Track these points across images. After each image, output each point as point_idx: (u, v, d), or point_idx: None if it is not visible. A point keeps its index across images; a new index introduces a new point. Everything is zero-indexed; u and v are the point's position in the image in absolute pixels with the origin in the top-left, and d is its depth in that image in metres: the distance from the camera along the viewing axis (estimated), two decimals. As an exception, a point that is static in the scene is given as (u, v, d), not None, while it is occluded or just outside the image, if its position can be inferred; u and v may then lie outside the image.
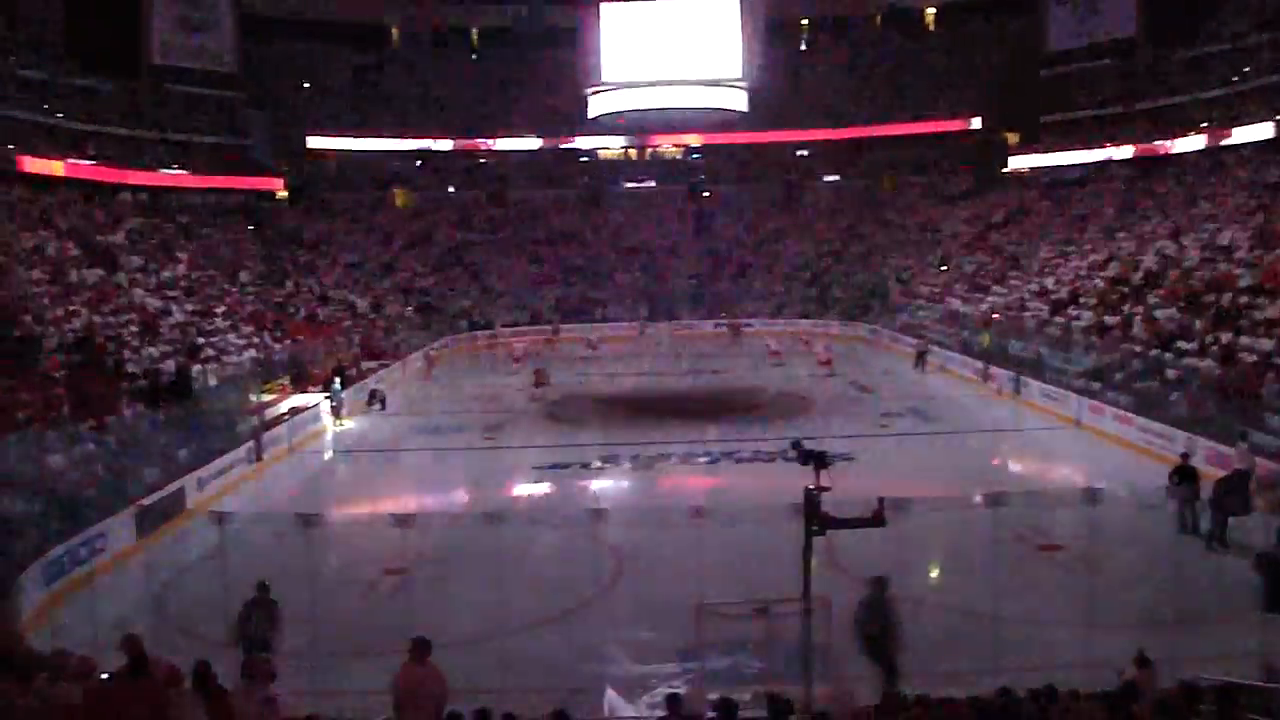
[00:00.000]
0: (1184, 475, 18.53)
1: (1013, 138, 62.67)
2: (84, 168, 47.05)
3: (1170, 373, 27.28)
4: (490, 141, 66.52)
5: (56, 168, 45.08)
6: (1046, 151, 57.89)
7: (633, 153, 69.27)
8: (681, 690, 10.70)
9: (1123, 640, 11.52)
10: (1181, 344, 28.39)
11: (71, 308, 30.94)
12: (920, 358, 40.39)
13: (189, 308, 36.32)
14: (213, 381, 30.07)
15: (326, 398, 31.91)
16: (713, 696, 9.83)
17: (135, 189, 49.93)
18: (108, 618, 14.29)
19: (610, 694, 12.44)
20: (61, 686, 8.85)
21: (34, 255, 34.68)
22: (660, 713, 9.44)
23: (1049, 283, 41.06)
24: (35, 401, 23.11)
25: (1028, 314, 38.70)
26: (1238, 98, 47.67)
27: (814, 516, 11.41)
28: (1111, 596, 14.88)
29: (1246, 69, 47.84)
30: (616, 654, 14.34)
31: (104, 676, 9.39)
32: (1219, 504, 17.69)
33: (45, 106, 47.55)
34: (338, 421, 31.82)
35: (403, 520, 16.32)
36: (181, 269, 41.04)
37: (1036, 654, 12.91)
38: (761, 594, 13.02)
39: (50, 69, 48.37)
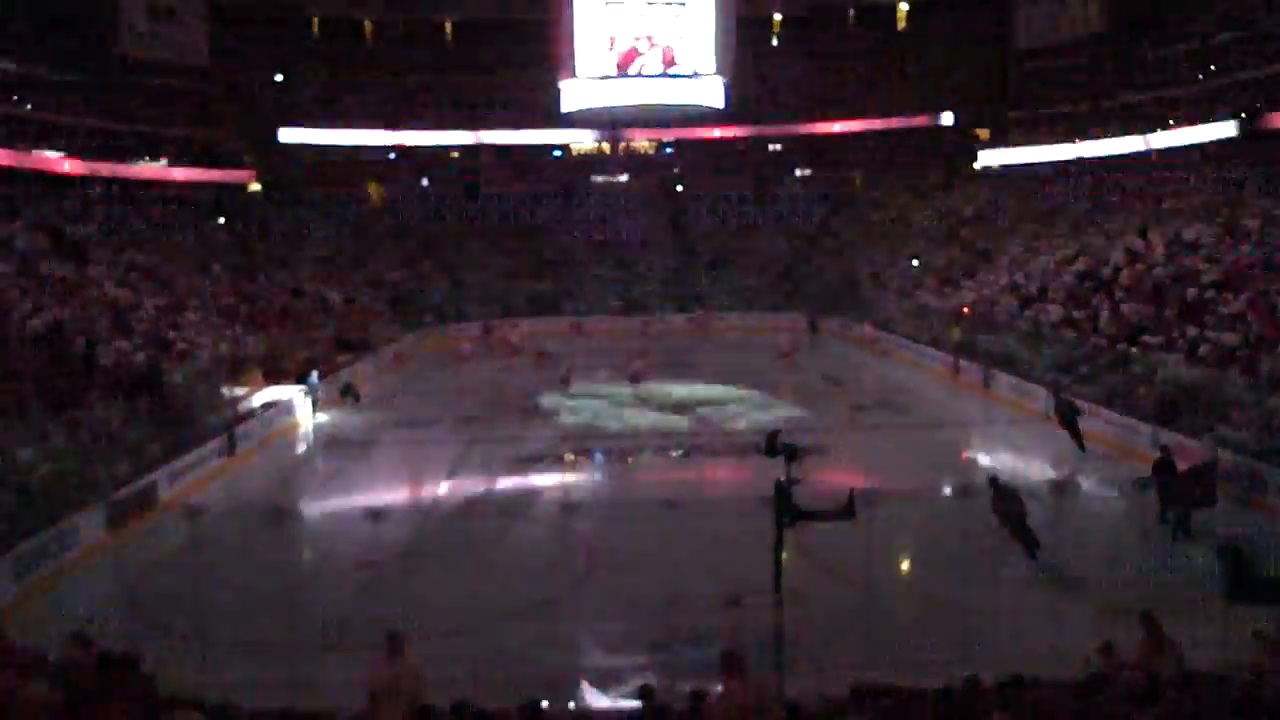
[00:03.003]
0: (1164, 469, 18.82)
1: (983, 134, 63.04)
2: (54, 160, 46.65)
3: (1137, 366, 27.58)
4: (463, 136, 66.33)
5: (26, 160, 44.69)
6: (1016, 147, 58.29)
7: (606, 148, 69.23)
8: (654, 682, 10.81)
9: (1089, 630, 11.70)
10: (1148, 338, 28.71)
11: (41, 301, 30.75)
12: (813, 325, 47.45)
13: (160, 301, 36.12)
14: (184, 375, 29.92)
15: (304, 391, 31.90)
16: (684, 688, 9.92)
17: (106, 181, 49.54)
18: (79, 613, 14.27)
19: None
20: (35, 684, 8.85)
21: (3, 249, 34.42)
22: (633, 704, 9.53)
23: (1018, 277, 41.38)
24: (4, 395, 22.97)
25: (997, 308, 38.99)
26: (1205, 96, 48.11)
27: (785, 509, 11.57)
28: (1078, 586, 15.10)
29: (1214, 67, 48.30)
30: (589, 646, 14.45)
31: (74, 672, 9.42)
32: (1184, 495, 17.97)
33: (14, 99, 47.11)
34: (315, 414, 31.82)
35: (376, 514, 16.36)
36: (153, 262, 40.78)
37: (1004, 643, 13.09)
38: (733, 586, 13.16)
39: (19, 61, 47.92)
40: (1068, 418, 24.50)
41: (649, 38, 56.52)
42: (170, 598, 15.86)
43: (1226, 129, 45.00)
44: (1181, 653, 10.69)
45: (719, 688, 8.44)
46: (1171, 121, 48.86)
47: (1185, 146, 47.23)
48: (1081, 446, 24.13)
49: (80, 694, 9.00)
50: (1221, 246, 32.73)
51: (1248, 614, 11.27)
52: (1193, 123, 47.22)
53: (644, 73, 56.08)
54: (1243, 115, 44.24)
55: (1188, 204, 39.94)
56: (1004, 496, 17.43)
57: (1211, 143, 45.78)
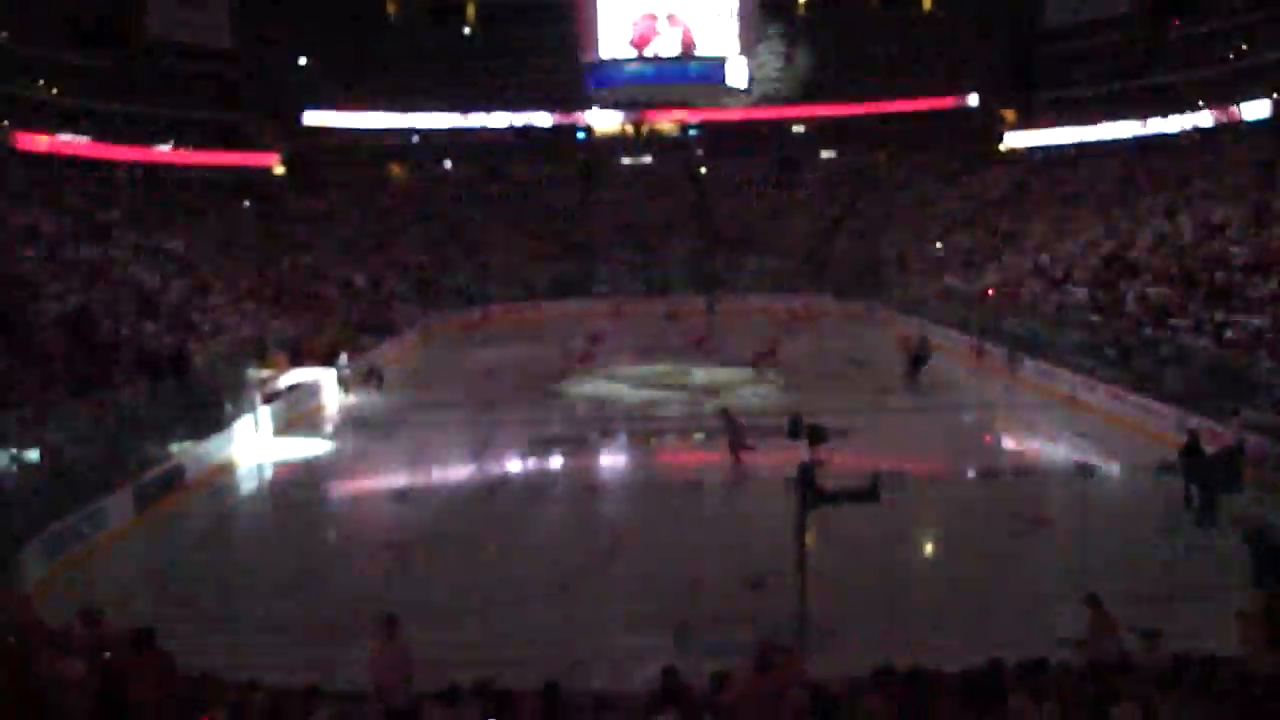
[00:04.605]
0: (1191, 453, 18.70)
1: (1009, 115, 62.61)
2: (80, 144, 46.96)
3: (1164, 350, 27.38)
4: (487, 117, 66.38)
5: (52, 144, 45.00)
6: (1043, 129, 57.89)
7: (630, 129, 69.11)
8: (676, 663, 10.83)
9: (1113, 613, 11.62)
10: (1175, 321, 28.49)
11: (68, 284, 30.97)
12: (710, 307, 48.95)
13: (185, 284, 36.31)
14: (210, 358, 30.11)
15: (341, 371, 32.10)
16: (706, 669, 9.94)
17: (131, 165, 49.84)
18: (108, 592, 14.41)
19: None
20: (67, 661, 8.95)
21: (29, 232, 34.65)
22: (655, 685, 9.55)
23: (1044, 260, 41.11)
24: (32, 378, 23.17)
25: (1023, 290, 38.76)
26: (1235, 76, 47.64)
27: (809, 490, 11.56)
28: (1102, 571, 15.02)
29: (1244, 47, 47.81)
30: (612, 627, 14.48)
31: (106, 654, 9.52)
32: (1210, 479, 17.85)
33: (41, 83, 47.43)
34: (342, 396, 32.00)
35: (400, 495, 16.45)
36: (178, 245, 41.02)
37: (1028, 627, 13.05)
38: (756, 567, 13.16)
39: (46, 45, 48.21)
40: (919, 356, 32.14)
41: (670, 17, 56.29)
42: (197, 578, 16.00)
43: (1257, 110, 44.60)
44: (1122, 635, 10.80)
45: (741, 668, 8.44)
46: (1200, 103, 48.43)
47: (1215, 127, 46.83)
48: (911, 377, 31.82)
49: (111, 671, 9.13)
50: (1251, 229, 32.42)
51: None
52: (1222, 104, 46.80)
53: (665, 53, 55.87)
54: (1273, 96, 43.84)
55: (1217, 186, 39.54)
56: (730, 423, 22.69)
57: (1241, 124, 45.37)
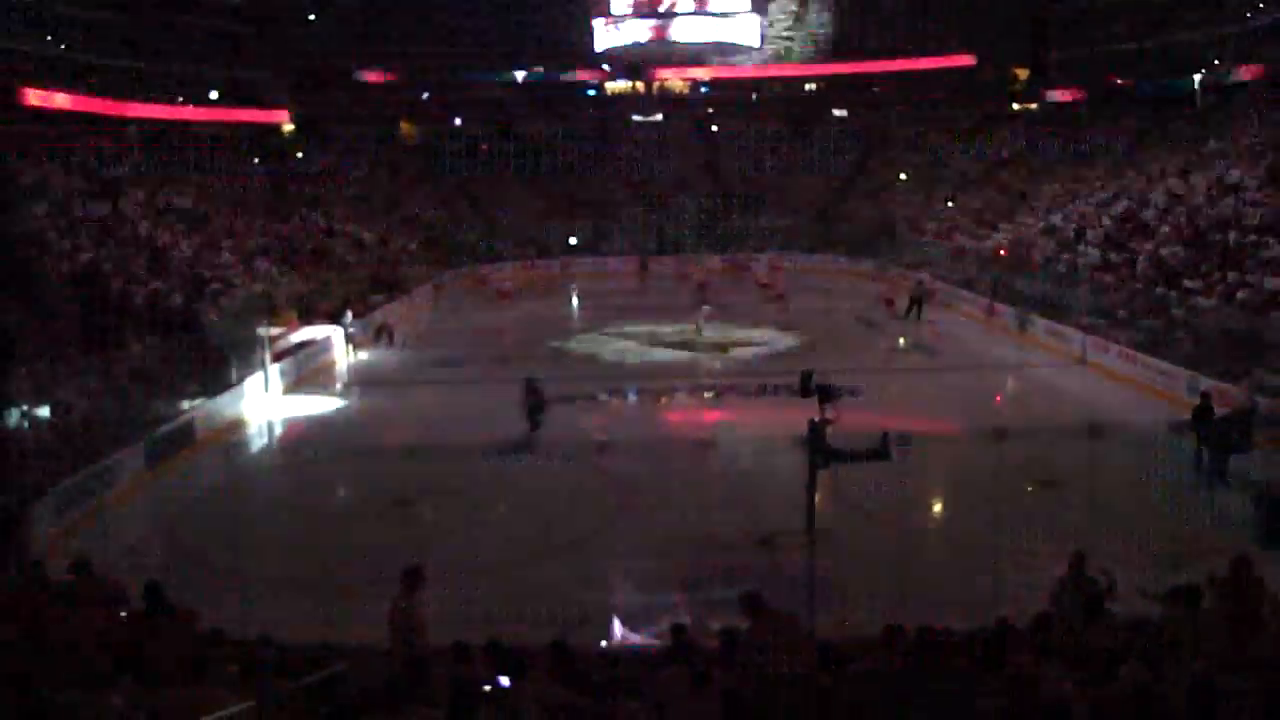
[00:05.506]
0: (1202, 415, 18.64)
1: (1022, 73, 62.02)
2: (89, 100, 46.75)
3: (1176, 310, 27.25)
4: (498, 75, 65.98)
5: (61, 100, 44.81)
6: (1056, 88, 57.31)
7: (640, 87, 68.68)
8: (686, 620, 10.87)
9: (1122, 576, 11.63)
10: (1187, 282, 28.32)
11: (77, 242, 30.94)
12: (643, 265, 50.29)
13: (195, 241, 36.27)
14: (220, 314, 30.11)
15: (346, 329, 32.12)
16: (716, 626, 9.98)
17: (141, 122, 49.64)
18: (119, 548, 14.47)
19: (617, 624, 12.65)
20: (83, 615, 9.00)
21: (38, 189, 34.58)
22: (665, 642, 9.59)
23: (1056, 220, 40.84)
24: (42, 335, 23.18)
25: (1035, 250, 38.55)
26: (1251, 35, 47.05)
27: (819, 449, 11.56)
28: (1111, 531, 15.01)
29: (1261, 5, 47.17)
30: (621, 584, 14.54)
31: (123, 614, 9.58)
32: (1220, 440, 17.80)
33: (49, 38, 47.14)
34: (351, 354, 32.05)
35: (410, 452, 16.49)
36: (188, 202, 40.92)
37: (1036, 586, 13.05)
38: (765, 525, 13.18)
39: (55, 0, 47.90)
40: (917, 298, 35.37)
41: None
42: (207, 534, 16.07)
43: (1273, 70, 44.05)
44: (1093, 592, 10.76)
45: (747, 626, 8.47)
46: (1216, 62, 47.87)
47: (1230, 87, 46.30)
48: (904, 315, 35.39)
49: (127, 626, 9.21)
50: (1265, 189, 32.14)
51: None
52: (1238, 63, 46.27)
53: (676, 10, 55.45)
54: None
55: (1231, 146, 39.17)
56: (532, 390, 22.22)
57: (1257, 83, 44.85)
